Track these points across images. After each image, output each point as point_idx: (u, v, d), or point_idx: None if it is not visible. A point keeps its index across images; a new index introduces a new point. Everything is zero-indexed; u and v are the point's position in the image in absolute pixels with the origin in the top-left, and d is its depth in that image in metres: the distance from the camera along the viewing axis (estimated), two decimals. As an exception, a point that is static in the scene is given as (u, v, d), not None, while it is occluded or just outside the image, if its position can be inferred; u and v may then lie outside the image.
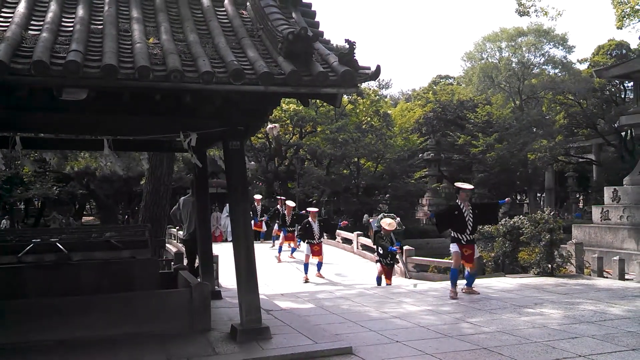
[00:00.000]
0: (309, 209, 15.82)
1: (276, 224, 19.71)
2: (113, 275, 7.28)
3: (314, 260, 14.53)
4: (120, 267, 7.48)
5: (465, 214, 9.83)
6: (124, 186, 29.71)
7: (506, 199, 11.52)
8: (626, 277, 11.97)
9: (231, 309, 7.85)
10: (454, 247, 9.95)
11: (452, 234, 9.99)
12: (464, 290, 10.02)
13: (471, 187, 10.34)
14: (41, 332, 6.12)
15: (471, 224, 9.88)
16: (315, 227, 14.62)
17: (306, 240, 14.64)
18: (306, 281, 13.89)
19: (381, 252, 12.39)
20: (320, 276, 14.43)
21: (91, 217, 42.63)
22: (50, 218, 32.00)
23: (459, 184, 10.48)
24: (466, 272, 10.29)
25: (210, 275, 9.00)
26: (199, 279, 8.08)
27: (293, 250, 17.61)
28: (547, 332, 7.10)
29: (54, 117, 6.26)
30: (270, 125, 28.43)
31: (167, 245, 16.66)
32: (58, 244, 7.39)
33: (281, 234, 18.00)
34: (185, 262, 10.86)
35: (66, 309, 6.32)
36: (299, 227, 15.69)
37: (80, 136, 8.53)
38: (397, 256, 13.70)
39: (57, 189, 29.16)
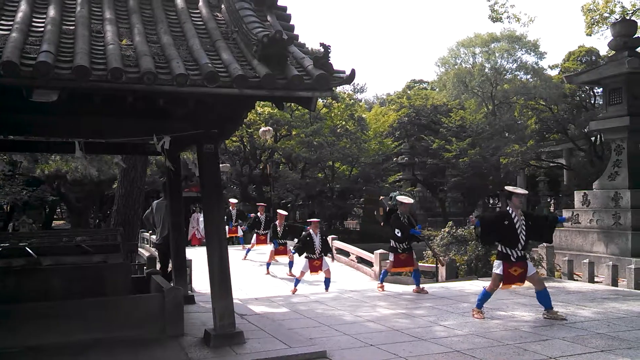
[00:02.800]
0: (310, 220, 13.68)
1: (255, 233, 18.34)
2: (84, 280, 7.15)
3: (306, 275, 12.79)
4: (91, 272, 7.35)
5: (517, 224, 8.03)
6: (96, 189, 29.26)
7: (565, 216, 9.21)
8: (596, 279, 12.17)
9: (205, 313, 7.78)
10: (497, 267, 8.16)
11: (499, 248, 8.20)
12: (546, 315, 8.18)
13: (525, 192, 8.61)
14: (9, 338, 5.99)
15: (524, 237, 8.07)
16: (317, 240, 12.75)
17: (305, 255, 12.82)
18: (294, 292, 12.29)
19: (399, 235, 10.59)
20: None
21: (62, 221, 41.95)
22: (20, 222, 31.39)
23: (510, 188, 8.51)
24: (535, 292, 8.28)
25: (183, 279, 8.92)
26: (172, 284, 8.00)
27: (291, 265, 15.16)
28: (519, 334, 7.18)
29: (23, 118, 6.14)
30: (263, 128, 28.10)
31: (139, 249, 16.45)
32: (27, 249, 7.25)
33: (271, 247, 15.83)
34: (158, 266, 10.75)
35: (35, 315, 6.20)
36: (298, 239, 13.56)
37: (51, 138, 8.38)
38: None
39: (27, 192, 28.62)
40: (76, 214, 32.35)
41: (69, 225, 35.59)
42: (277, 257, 15.87)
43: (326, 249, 13.10)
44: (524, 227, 8.06)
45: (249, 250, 18.10)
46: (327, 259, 13.09)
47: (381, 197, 11.90)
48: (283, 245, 15.64)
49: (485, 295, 8.32)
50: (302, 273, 12.80)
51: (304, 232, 13.24)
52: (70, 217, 36.62)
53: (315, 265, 12.78)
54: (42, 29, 5.72)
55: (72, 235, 8.30)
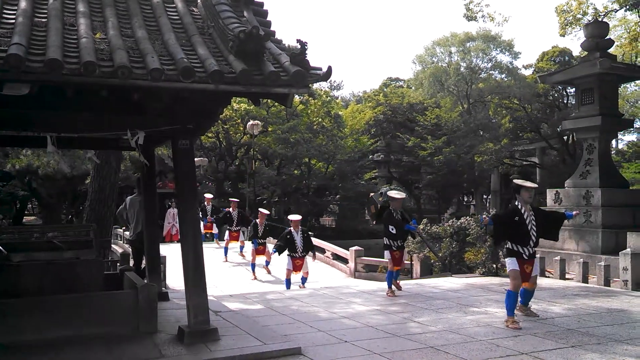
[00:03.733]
0: (290, 217, 13.53)
1: (227, 230, 18.27)
2: (56, 277, 7.04)
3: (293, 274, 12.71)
4: (63, 268, 7.25)
5: (527, 220, 7.64)
6: (68, 185, 28.82)
7: (574, 212, 8.64)
8: (567, 276, 12.37)
9: (179, 310, 7.73)
10: (511, 264, 7.68)
11: (509, 246, 7.76)
12: (519, 310, 7.98)
13: (535, 185, 8.04)
14: (-22, 336, 5.88)
15: (535, 234, 7.68)
16: (298, 238, 12.60)
17: (287, 254, 12.67)
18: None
19: (393, 231, 10.06)
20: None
21: (33, 217, 41.25)
22: (-11, 218, 30.85)
23: (519, 181, 7.99)
24: (521, 289, 7.87)
25: (157, 276, 8.84)
26: (145, 280, 7.93)
27: (267, 263, 15.27)
28: (491, 330, 7.27)
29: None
30: (251, 122, 27.65)
31: (113, 245, 16.27)
32: (-3, 244, 7.13)
33: (251, 246, 15.48)
34: (131, 263, 10.64)
35: (6, 312, 6.09)
36: (278, 238, 13.47)
37: (22, 133, 8.23)
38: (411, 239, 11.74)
39: (-3, 187, 28.13)
40: (48, 210, 31.84)
41: (40, 221, 35.02)
42: (257, 257, 15.36)
43: (309, 247, 12.87)
44: (534, 223, 7.68)
45: (226, 249, 17.84)
46: (308, 259, 12.89)
47: (371, 193, 11.12)
48: (262, 245, 15.15)
49: (513, 299, 7.62)
50: (289, 272, 12.56)
51: (285, 231, 13.05)
52: (41, 212, 36.03)
53: (297, 265, 12.57)
54: (13, 21, 5.60)
55: (44, 231, 8.19)
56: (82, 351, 5.92)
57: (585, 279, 11.77)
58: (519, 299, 7.88)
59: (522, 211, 7.67)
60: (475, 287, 10.85)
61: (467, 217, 14.23)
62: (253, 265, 14.98)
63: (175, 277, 10.82)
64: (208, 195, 22.12)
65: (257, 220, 15.22)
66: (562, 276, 12.25)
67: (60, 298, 6.58)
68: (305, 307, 9.01)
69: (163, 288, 9.66)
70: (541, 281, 11.74)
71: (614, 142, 36.34)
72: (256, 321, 7.70)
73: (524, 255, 7.62)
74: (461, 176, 37.06)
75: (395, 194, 10.39)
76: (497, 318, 7.98)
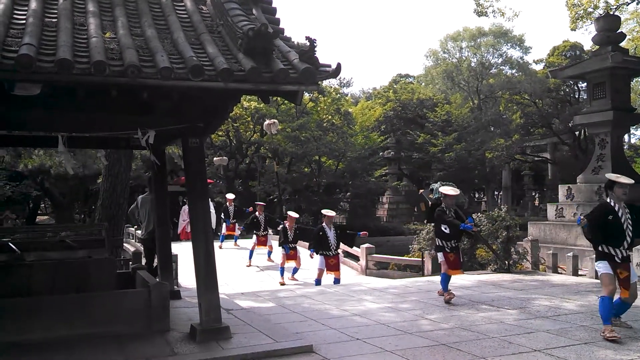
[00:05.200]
0: (325, 212, 12.62)
1: (254, 235, 16.92)
2: (68, 276, 7.10)
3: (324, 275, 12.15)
4: (75, 267, 7.30)
5: (622, 219, 6.81)
6: (80, 184, 29.06)
7: None
8: (579, 272, 12.28)
9: (191, 308, 7.75)
10: (603, 267, 6.84)
11: (600, 248, 6.91)
12: (614, 322, 6.91)
13: (632, 181, 7.14)
14: (-8, 334, 5.92)
15: (630, 233, 6.82)
16: (331, 234, 11.95)
17: (320, 252, 12.07)
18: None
19: (446, 231, 9.16)
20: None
21: (46, 217, 41.57)
22: (3, 217, 31.10)
23: (612, 176, 7.18)
24: (616, 298, 6.97)
25: (169, 274, 8.87)
26: (157, 279, 7.96)
27: (295, 271, 13.98)
28: (504, 327, 7.22)
29: (5, 112, 6.05)
30: (268, 121, 27.21)
31: (125, 244, 16.36)
32: (10, 244, 7.17)
33: (282, 251, 14.02)
34: (143, 261, 10.69)
35: (19, 310, 6.13)
36: (311, 237, 12.80)
37: (34, 133, 8.29)
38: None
39: (10, 187, 28.33)
40: (60, 209, 32.11)
41: (53, 221, 35.29)
42: (286, 263, 14.03)
43: (347, 241, 12.31)
44: (630, 222, 6.85)
45: (251, 253, 16.59)
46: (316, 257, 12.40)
47: (421, 190, 9.99)
48: (294, 249, 13.94)
49: (608, 305, 6.76)
50: (321, 271, 12.14)
51: (317, 228, 12.47)
52: (54, 212, 36.34)
53: (330, 264, 12.03)
54: (24, 21, 5.63)
55: (57, 231, 8.25)
56: (94, 350, 5.95)
57: (598, 276, 11.66)
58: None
59: (617, 209, 6.88)
60: (487, 284, 10.80)
61: (479, 214, 14.15)
62: (282, 270, 13.85)
63: (187, 276, 10.85)
64: (230, 196, 20.92)
65: (287, 225, 14.09)
66: (575, 272, 12.17)
67: (72, 297, 6.63)
68: (317, 305, 9.01)
69: (175, 286, 9.68)
70: (554, 277, 11.71)
71: (626, 136, 36.01)
72: (268, 319, 7.71)
73: (617, 258, 6.82)
74: (472, 172, 36.87)
75: (448, 189, 9.40)
76: (509, 315, 7.94)
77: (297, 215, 14.44)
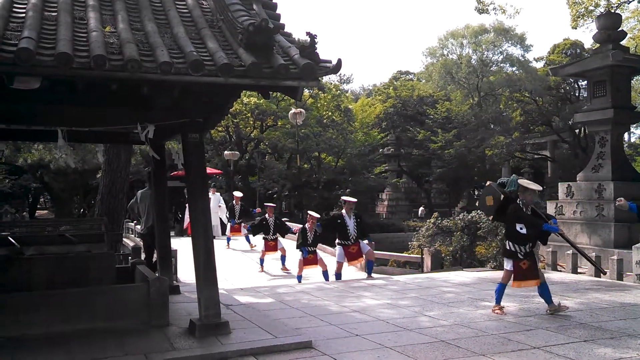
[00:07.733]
0: (344, 198, 11.82)
1: (263, 239, 15.00)
2: (67, 270, 7.08)
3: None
4: (75, 262, 7.28)
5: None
6: (80, 179, 29.04)
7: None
8: (579, 270, 12.28)
9: (190, 303, 7.75)
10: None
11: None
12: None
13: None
14: (-9, 328, 5.92)
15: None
16: (351, 223, 11.11)
17: (338, 242, 11.29)
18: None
19: (522, 231, 7.52)
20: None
21: (45, 211, 41.57)
22: (3, 211, 31.11)
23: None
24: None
25: (168, 269, 8.87)
26: (157, 274, 7.95)
27: (325, 274, 12.42)
28: (503, 324, 7.22)
29: (4, 106, 6.04)
30: (293, 110, 25.86)
31: (124, 239, 16.36)
32: (10, 238, 7.16)
33: (299, 255, 12.59)
34: (142, 256, 10.70)
35: (18, 305, 6.13)
36: (327, 224, 12.05)
37: (33, 127, 8.27)
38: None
39: (9, 181, 28.33)
40: (60, 204, 32.09)
41: (52, 215, 35.28)
42: (306, 268, 12.62)
43: (362, 234, 11.42)
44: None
45: (262, 260, 14.93)
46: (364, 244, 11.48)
47: (489, 182, 8.41)
48: (312, 253, 12.44)
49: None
50: (339, 264, 11.45)
51: (334, 215, 11.53)
52: (53, 206, 36.31)
53: (350, 254, 11.25)
54: (23, 15, 5.61)
55: (56, 225, 8.23)
56: (93, 344, 5.94)
57: (597, 273, 11.67)
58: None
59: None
60: (487, 281, 10.80)
61: (478, 211, 14.13)
62: (299, 277, 12.56)
63: (186, 271, 10.85)
64: (237, 194, 19.64)
65: (307, 225, 12.53)
66: (574, 270, 12.16)
67: (71, 291, 6.61)
68: (316, 301, 9.01)
69: (174, 281, 9.68)
70: (553, 275, 11.70)
71: (626, 135, 36.04)
72: (267, 314, 7.70)
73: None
74: (472, 170, 36.94)
75: (529, 183, 7.85)
76: (508, 312, 7.93)
77: (318, 215, 12.74)
